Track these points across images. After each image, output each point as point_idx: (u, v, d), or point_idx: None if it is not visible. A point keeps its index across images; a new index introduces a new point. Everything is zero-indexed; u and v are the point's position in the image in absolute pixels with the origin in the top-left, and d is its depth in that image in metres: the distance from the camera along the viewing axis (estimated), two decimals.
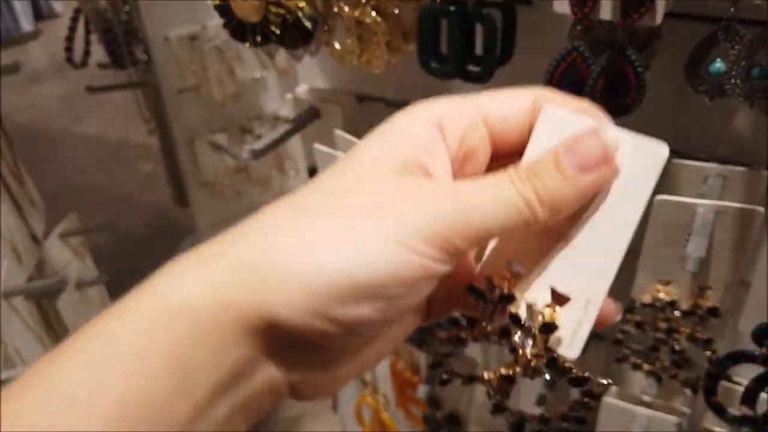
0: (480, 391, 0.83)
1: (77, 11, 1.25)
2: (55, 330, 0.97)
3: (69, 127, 2.96)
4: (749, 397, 0.49)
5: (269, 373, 0.23)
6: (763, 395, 0.48)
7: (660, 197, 0.46)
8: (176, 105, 1.30)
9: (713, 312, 0.44)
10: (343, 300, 0.22)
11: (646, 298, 0.46)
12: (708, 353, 0.47)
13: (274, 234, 0.24)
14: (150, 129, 1.52)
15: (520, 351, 0.26)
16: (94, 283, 0.96)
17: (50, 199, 1.20)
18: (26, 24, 3.75)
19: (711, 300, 0.44)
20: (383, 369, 0.70)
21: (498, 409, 0.30)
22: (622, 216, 0.25)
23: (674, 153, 0.53)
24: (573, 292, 0.26)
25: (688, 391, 0.51)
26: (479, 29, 0.49)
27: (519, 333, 0.26)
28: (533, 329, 0.26)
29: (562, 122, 0.25)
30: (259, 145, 0.58)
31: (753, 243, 0.44)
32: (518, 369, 0.27)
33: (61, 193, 2.42)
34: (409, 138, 0.25)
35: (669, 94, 0.51)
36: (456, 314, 0.28)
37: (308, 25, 0.54)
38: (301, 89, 0.68)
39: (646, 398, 0.57)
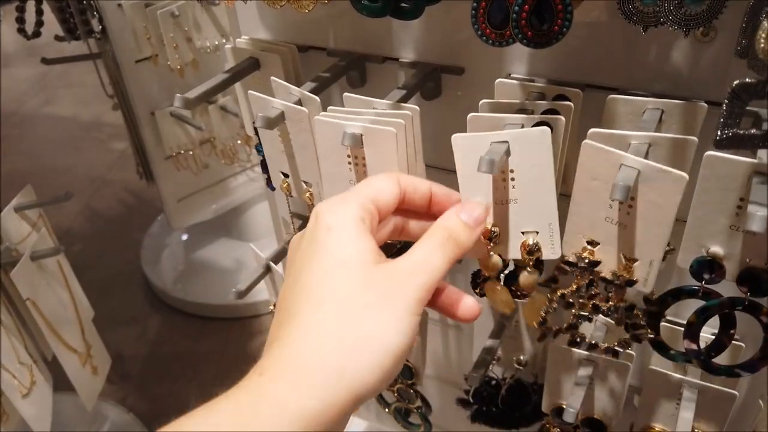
0: (435, 343, 0.83)
1: None
2: (12, 300, 0.95)
3: (40, 108, 2.90)
4: (692, 331, 0.48)
5: None
6: (704, 330, 0.48)
7: (593, 130, 0.45)
8: (135, 76, 1.27)
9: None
10: (401, 362, 0.33)
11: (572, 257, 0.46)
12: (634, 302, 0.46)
13: (334, 335, 0.32)
14: (114, 104, 1.48)
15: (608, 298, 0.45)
16: (49, 255, 0.94)
17: (21, 180, 1.17)
18: None
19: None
20: None
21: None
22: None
23: (611, 89, 0.52)
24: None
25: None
26: None
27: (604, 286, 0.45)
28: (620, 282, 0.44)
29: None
30: (191, 93, 0.56)
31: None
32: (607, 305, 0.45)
33: (33, 174, 2.37)
34: (359, 234, 0.35)
35: (601, 29, 0.49)
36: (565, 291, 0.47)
37: None
38: (241, 40, 0.66)
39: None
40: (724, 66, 0.47)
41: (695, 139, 0.43)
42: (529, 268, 0.47)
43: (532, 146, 0.41)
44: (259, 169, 1.58)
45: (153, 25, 1.16)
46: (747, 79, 0.32)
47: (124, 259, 1.89)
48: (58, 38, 1.35)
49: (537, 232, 0.45)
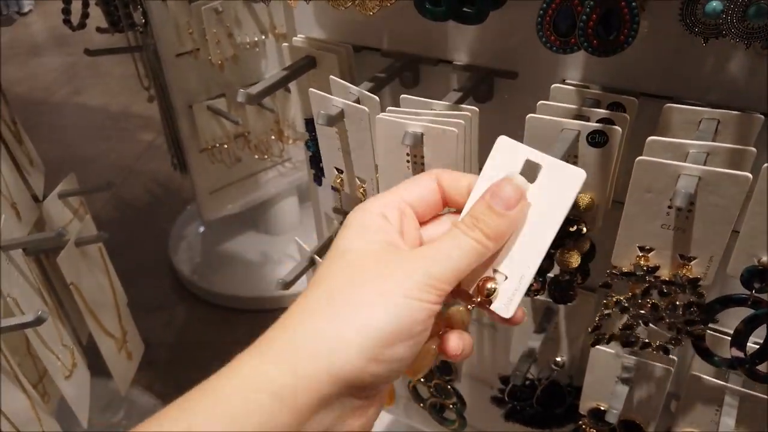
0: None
1: None
2: (53, 285, 0.98)
3: (70, 98, 2.95)
4: (739, 339, 0.49)
5: (328, 418, 0.32)
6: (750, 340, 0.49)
7: (652, 139, 0.46)
8: (175, 69, 1.29)
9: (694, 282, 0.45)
10: (387, 344, 0.31)
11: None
12: (694, 298, 0.47)
13: (321, 313, 0.32)
14: (150, 96, 1.51)
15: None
16: (92, 241, 0.97)
17: (51, 168, 1.20)
18: None
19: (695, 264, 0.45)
20: None
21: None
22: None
23: (666, 97, 0.53)
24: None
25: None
26: None
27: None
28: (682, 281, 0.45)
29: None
30: (254, 89, 0.58)
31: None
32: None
33: (62, 161, 2.42)
34: (372, 228, 0.35)
35: (662, 37, 0.50)
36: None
37: None
38: (298, 39, 0.67)
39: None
40: None
41: (754, 149, 0.44)
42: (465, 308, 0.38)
43: (561, 182, 0.36)
44: (289, 164, 1.60)
45: (196, 20, 1.19)
46: None
47: (151, 249, 1.92)
48: (100, 30, 1.38)
49: (505, 278, 0.37)
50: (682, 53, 0.51)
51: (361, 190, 0.59)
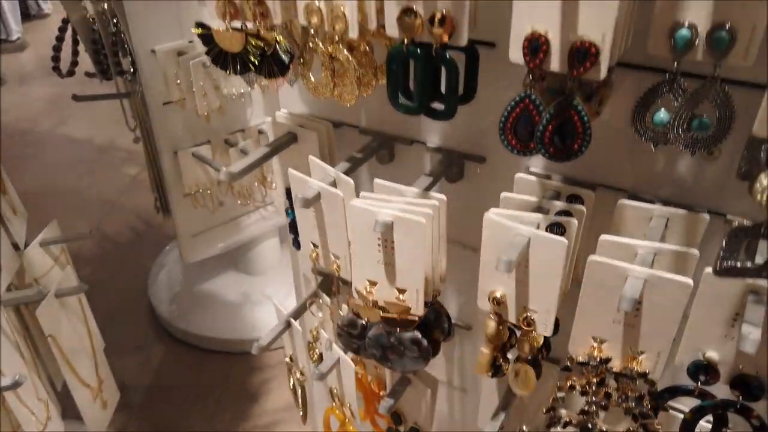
0: (442, 403, 0.86)
1: (65, 21, 1.27)
2: (30, 333, 0.98)
3: (54, 128, 2.96)
4: (687, 427, 0.52)
5: None
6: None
7: (604, 238, 0.49)
8: (161, 116, 1.32)
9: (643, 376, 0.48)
10: None
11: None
12: (645, 390, 0.50)
13: None
14: (136, 137, 1.54)
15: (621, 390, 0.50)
16: (73, 293, 0.98)
17: (33, 200, 1.21)
18: (14, 25, 3.74)
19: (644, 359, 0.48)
20: (350, 382, 0.73)
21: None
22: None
23: (621, 191, 0.57)
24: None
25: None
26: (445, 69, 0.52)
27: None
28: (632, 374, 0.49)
29: None
30: (235, 168, 0.61)
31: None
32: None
33: (44, 194, 2.42)
34: None
35: (617, 138, 0.54)
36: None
37: (285, 58, 0.56)
38: (281, 114, 0.71)
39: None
40: (726, 180, 0.52)
41: (697, 253, 0.48)
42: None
43: (548, 250, 0.48)
44: (271, 207, 1.62)
45: (184, 72, 1.22)
46: (744, 223, 0.37)
47: (130, 286, 1.92)
48: (88, 75, 1.40)
49: (536, 312, 0.52)
50: (636, 153, 0.55)
51: (335, 266, 0.62)
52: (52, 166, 2.66)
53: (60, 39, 1.27)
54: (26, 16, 3.99)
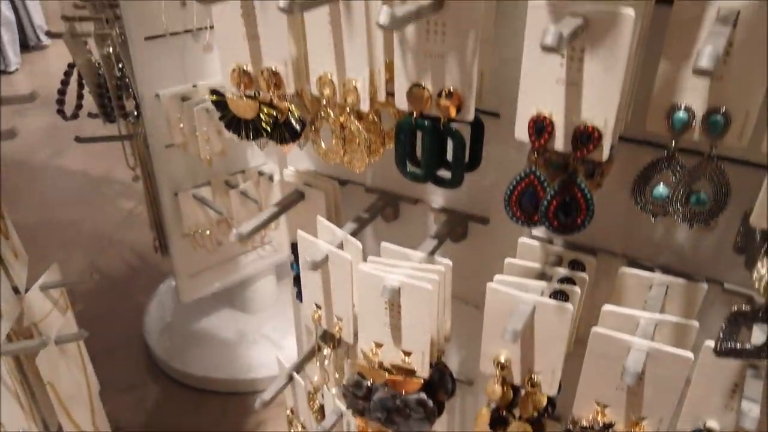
0: None
1: (71, 66, 1.30)
2: (29, 384, 0.98)
3: (52, 159, 2.97)
4: None
5: None
6: None
7: (606, 309, 0.51)
8: (163, 159, 1.33)
9: None
10: None
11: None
12: None
13: None
14: (135, 176, 1.55)
15: None
16: (72, 340, 0.98)
17: (28, 234, 1.20)
18: (13, 56, 3.78)
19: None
20: None
21: None
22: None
23: (622, 258, 0.58)
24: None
25: None
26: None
27: None
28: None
29: None
30: (245, 228, 0.62)
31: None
32: None
33: (40, 226, 2.42)
34: None
35: (618, 208, 0.56)
36: None
37: (297, 126, 0.58)
38: (288, 172, 0.72)
39: None
40: (723, 250, 0.54)
41: (696, 324, 0.49)
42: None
43: (553, 316, 0.49)
44: (269, 247, 1.63)
45: (187, 116, 1.24)
46: (743, 307, 0.38)
47: (126, 324, 1.91)
48: (91, 115, 1.42)
49: (540, 373, 0.53)
50: (636, 222, 0.57)
51: (337, 328, 0.63)
52: (48, 197, 2.66)
53: (65, 83, 1.29)
54: (25, 47, 4.03)
